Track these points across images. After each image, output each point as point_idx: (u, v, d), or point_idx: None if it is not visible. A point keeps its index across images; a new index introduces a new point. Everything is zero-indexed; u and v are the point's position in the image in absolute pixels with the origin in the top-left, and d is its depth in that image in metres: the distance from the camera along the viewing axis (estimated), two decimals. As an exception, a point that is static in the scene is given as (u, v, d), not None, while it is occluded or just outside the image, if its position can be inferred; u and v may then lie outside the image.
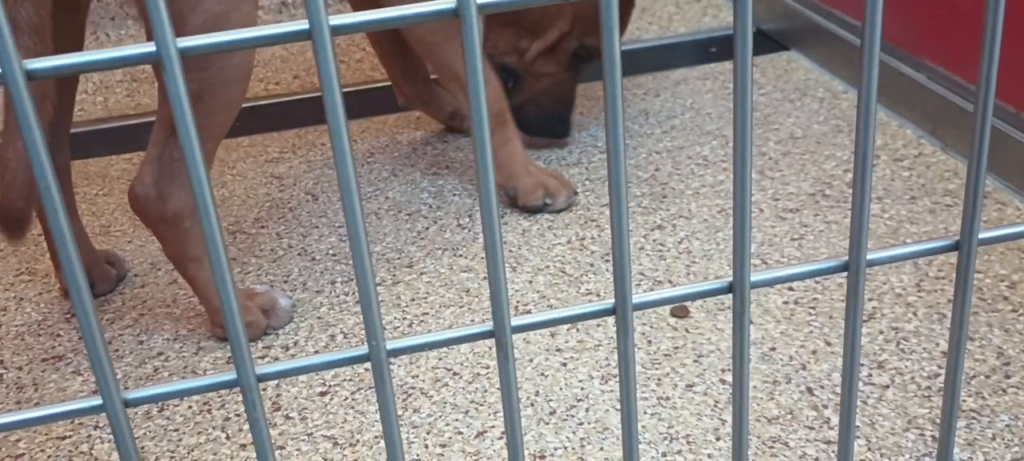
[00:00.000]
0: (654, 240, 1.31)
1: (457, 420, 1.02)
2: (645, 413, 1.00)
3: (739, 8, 0.43)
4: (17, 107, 0.37)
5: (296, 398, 1.06)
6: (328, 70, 0.39)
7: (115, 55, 0.38)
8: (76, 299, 0.41)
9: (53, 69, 0.37)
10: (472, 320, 1.18)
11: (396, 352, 0.46)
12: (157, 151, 1.07)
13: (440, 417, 1.02)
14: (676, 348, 1.10)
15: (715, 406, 1.00)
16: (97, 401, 0.44)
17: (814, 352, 1.07)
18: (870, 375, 1.03)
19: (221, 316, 1.15)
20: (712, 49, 1.89)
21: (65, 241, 0.40)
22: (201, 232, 1.12)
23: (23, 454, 1.01)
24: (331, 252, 1.35)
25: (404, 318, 1.19)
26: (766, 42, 1.89)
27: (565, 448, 0.97)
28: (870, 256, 0.51)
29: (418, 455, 0.97)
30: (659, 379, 1.05)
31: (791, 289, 1.17)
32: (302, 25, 0.38)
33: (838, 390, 1.01)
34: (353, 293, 1.24)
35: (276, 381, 1.09)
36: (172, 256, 1.13)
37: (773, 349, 1.08)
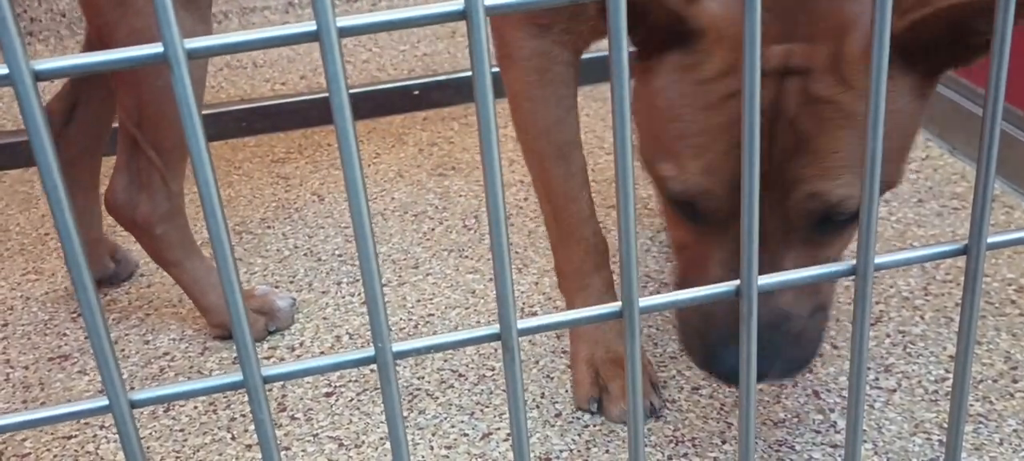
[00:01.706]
0: (660, 242, 1.31)
1: (463, 422, 1.02)
2: (651, 416, 1.00)
3: (748, 9, 0.43)
4: (25, 106, 0.37)
5: (301, 399, 1.06)
6: (335, 71, 0.39)
7: (122, 56, 0.38)
8: (82, 299, 0.41)
9: (61, 69, 0.37)
10: (478, 322, 1.18)
11: (402, 354, 0.46)
12: (124, 158, 1.08)
13: (445, 419, 1.02)
14: (682, 351, 1.09)
15: (721, 409, 1.00)
16: (103, 402, 0.43)
17: (821, 355, 1.07)
18: (877, 379, 1.03)
19: (214, 315, 1.16)
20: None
21: (71, 240, 0.40)
22: (176, 237, 1.12)
23: (29, 453, 1.02)
24: (337, 253, 1.35)
25: (410, 319, 1.19)
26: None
27: (571, 451, 0.97)
28: (878, 260, 0.51)
29: (423, 456, 0.97)
30: (665, 382, 1.05)
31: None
32: (310, 26, 0.38)
33: (845, 393, 1.01)
34: (359, 294, 1.24)
35: (281, 382, 1.09)
36: (153, 259, 1.14)
37: (779, 352, 1.08)
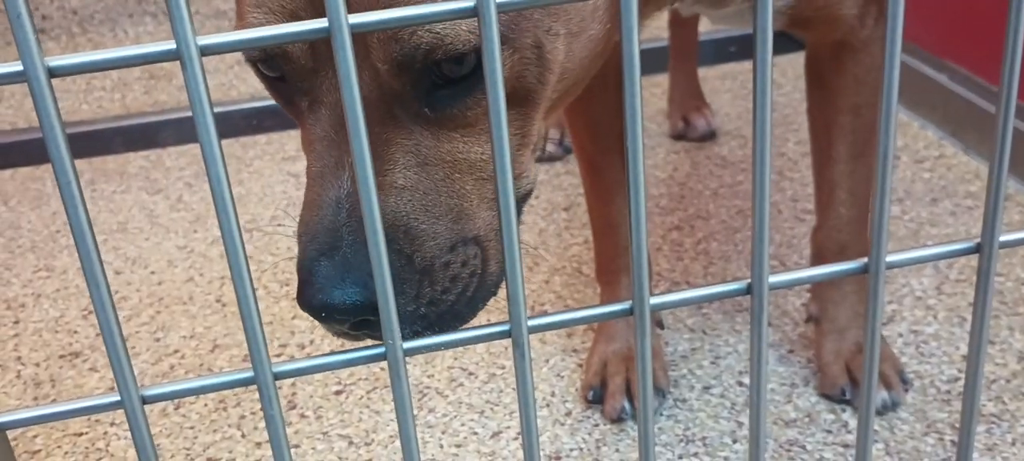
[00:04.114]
0: (672, 240, 1.31)
1: (472, 420, 1.02)
2: (662, 415, 1.00)
3: (759, 8, 0.43)
4: (39, 103, 0.37)
5: (311, 396, 1.07)
6: (347, 68, 0.39)
7: (136, 52, 0.38)
8: (95, 296, 0.41)
9: (76, 66, 0.37)
10: (488, 319, 1.18)
11: (413, 351, 0.46)
12: None
13: (455, 417, 1.02)
14: (693, 349, 1.09)
15: (732, 408, 1.00)
16: (115, 397, 0.44)
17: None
18: (888, 378, 1.02)
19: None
20: (731, 49, 1.89)
21: (84, 236, 0.40)
22: None
23: (40, 450, 1.02)
24: (347, 251, 1.35)
25: (420, 317, 1.19)
26: (785, 42, 1.89)
27: (581, 449, 0.97)
28: (890, 258, 0.51)
29: (433, 455, 0.97)
30: (676, 381, 1.05)
31: (809, 291, 1.17)
32: (322, 23, 0.38)
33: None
34: (369, 292, 1.24)
35: (291, 379, 1.09)
36: None
37: (791, 351, 1.07)
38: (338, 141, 0.56)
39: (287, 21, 0.54)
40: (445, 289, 0.59)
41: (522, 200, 0.66)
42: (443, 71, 0.56)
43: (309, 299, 0.55)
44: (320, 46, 0.55)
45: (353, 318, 0.54)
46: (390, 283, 0.43)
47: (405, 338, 0.43)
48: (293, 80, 0.59)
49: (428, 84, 0.56)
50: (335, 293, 0.54)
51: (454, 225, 0.59)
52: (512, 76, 0.58)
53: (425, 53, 0.54)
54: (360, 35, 0.54)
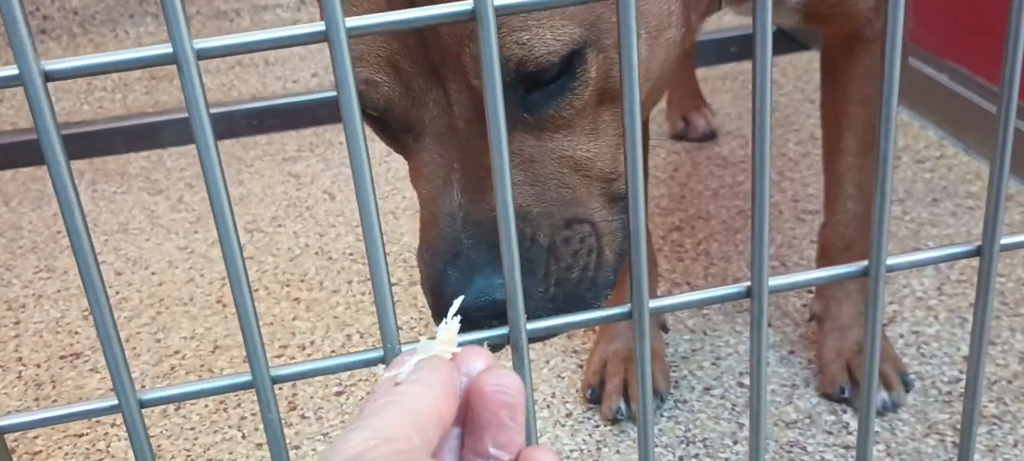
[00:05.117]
0: (672, 241, 1.30)
1: (473, 421, 1.01)
2: (662, 416, 1.00)
3: (759, 7, 0.43)
4: (35, 106, 0.37)
5: (312, 398, 1.07)
6: (344, 70, 0.38)
7: (132, 56, 0.38)
8: (92, 301, 0.41)
9: (72, 70, 0.37)
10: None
11: (411, 355, 0.45)
12: None
13: (456, 418, 1.02)
14: (694, 350, 1.09)
15: (733, 409, 1.00)
16: (113, 401, 0.44)
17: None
18: (889, 379, 1.02)
19: None
20: (732, 49, 1.88)
21: (81, 238, 0.40)
22: None
23: (41, 451, 1.02)
24: (348, 251, 1.35)
25: (421, 318, 1.19)
26: (786, 42, 1.89)
27: (581, 451, 0.96)
28: (890, 261, 0.51)
29: (434, 455, 0.97)
30: (676, 381, 1.04)
31: (810, 292, 1.16)
32: (319, 27, 0.38)
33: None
34: (370, 293, 1.24)
35: (292, 381, 1.09)
36: None
37: (792, 353, 1.07)
38: (443, 162, 0.61)
39: (384, 68, 0.59)
40: (569, 266, 0.62)
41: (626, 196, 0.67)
42: (533, 76, 0.59)
43: (445, 308, 0.57)
44: (415, 85, 0.59)
45: (490, 313, 0.56)
46: (388, 289, 0.43)
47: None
48: (395, 121, 0.62)
49: (522, 90, 0.60)
50: (467, 296, 0.57)
51: (566, 208, 0.63)
52: (601, 76, 0.61)
53: (516, 65, 0.58)
54: (456, 59, 0.58)
